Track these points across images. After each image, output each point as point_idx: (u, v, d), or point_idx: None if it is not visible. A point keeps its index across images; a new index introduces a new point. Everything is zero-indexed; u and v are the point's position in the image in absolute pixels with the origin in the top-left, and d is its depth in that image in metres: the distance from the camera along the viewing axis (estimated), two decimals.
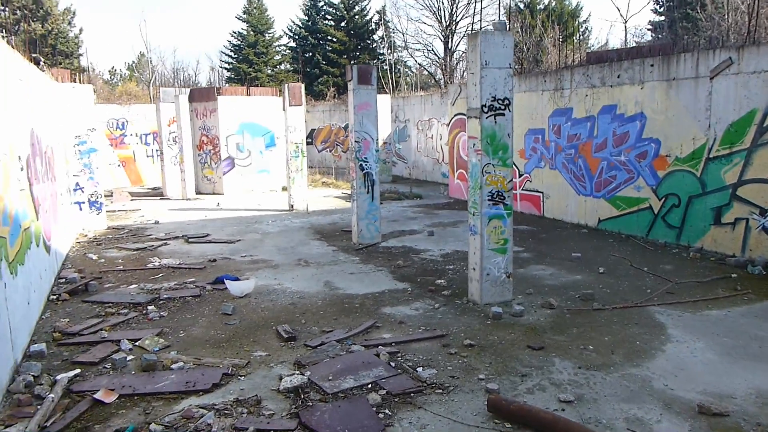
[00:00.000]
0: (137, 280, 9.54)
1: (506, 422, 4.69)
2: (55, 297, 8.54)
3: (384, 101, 24.09)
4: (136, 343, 6.68)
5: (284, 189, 21.13)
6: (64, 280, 9.39)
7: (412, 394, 5.24)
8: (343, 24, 42.77)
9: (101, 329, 7.19)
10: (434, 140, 23.26)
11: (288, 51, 45.96)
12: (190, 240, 12.76)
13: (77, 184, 13.97)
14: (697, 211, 10.21)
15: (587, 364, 5.84)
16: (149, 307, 7.97)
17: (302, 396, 5.23)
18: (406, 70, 41.62)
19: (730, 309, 7.39)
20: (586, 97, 12.49)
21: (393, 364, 5.87)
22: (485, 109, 7.34)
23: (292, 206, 16.82)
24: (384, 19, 40.99)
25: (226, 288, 8.62)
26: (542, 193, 14.20)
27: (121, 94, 29.75)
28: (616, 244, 11.21)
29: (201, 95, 21.82)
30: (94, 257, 11.29)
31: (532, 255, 10.64)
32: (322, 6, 43.78)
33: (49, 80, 11.14)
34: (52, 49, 37.52)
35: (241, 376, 5.76)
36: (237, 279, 9.00)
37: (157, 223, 15.37)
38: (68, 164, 13.73)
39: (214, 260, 10.85)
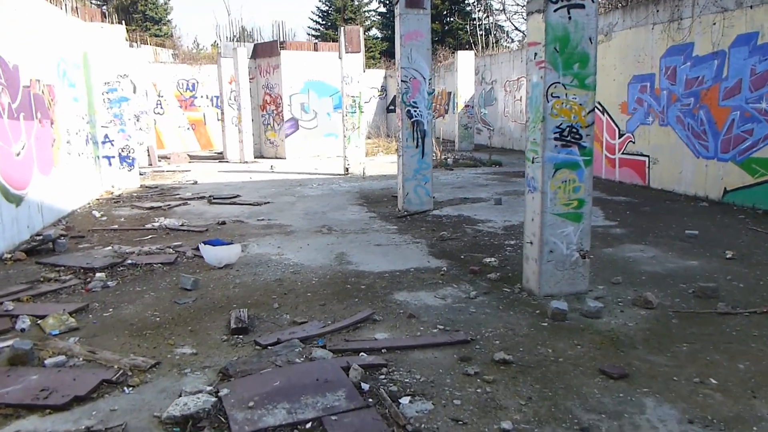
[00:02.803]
0: (120, 241, 7.82)
1: None
2: (9, 255, 6.96)
3: (468, 60, 21.31)
4: (39, 321, 4.83)
5: None
6: (40, 237, 7.82)
7: None
8: None
9: (17, 299, 5.44)
10: (523, 102, 20.26)
11: (378, 17, 43.80)
12: (214, 201, 11.01)
13: (106, 136, 12.61)
14: None
15: (706, 413, 3.26)
16: (98, 275, 6.15)
17: None
18: (503, 35, 38.20)
19: None
20: (714, 27, 9.32)
21: (366, 386, 3.59)
22: None
23: (347, 170, 14.74)
24: None
25: None
26: (648, 156, 11.14)
27: (203, 58, 28.92)
28: (749, 222, 8.16)
29: (264, 50, 20.16)
30: (98, 215, 9.78)
31: (628, 231, 7.86)
32: None
33: (49, 8, 9.62)
34: (142, 15, 37.67)
35: (129, 386, 3.71)
36: (227, 244, 7.00)
37: (195, 183, 13.85)
38: (96, 114, 12.38)
39: (223, 223, 8.96)
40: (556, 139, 4.96)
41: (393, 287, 5.67)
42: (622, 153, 11.90)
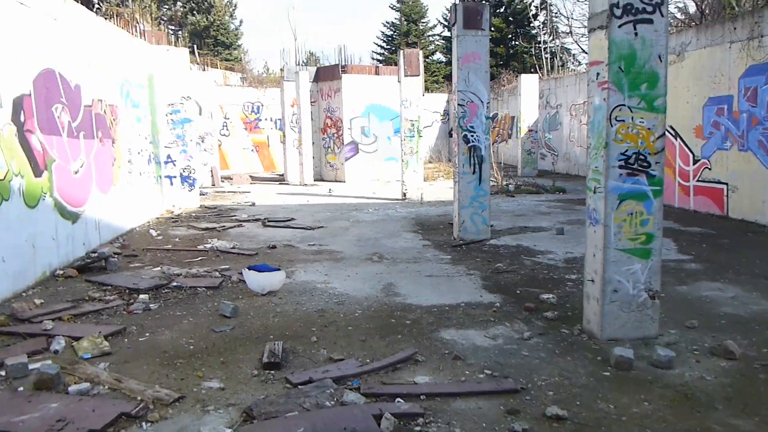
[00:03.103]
0: (170, 262, 7.80)
1: None
2: (62, 272, 7.03)
3: (532, 83, 20.79)
4: (73, 343, 4.74)
5: None
6: (95, 254, 7.92)
7: None
8: (501, 10, 39.53)
9: (59, 317, 5.40)
10: None
11: (442, 41, 43.81)
12: (268, 224, 10.95)
13: (168, 156, 12.88)
14: None
15: None
16: (141, 296, 6.07)
17: None
18: (569, 58, 37.28)
19: None
20: None
21: None
22: (617, 11, 4.34)
23: (404, 195, 14.47)
24: (545, 1, 37.03)
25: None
26: (726, 184, 10.30)
27: (269, 81, 29.60)
28: None
29: (326, 74, 20.34)
30: (155, 234, 9.88)
31: (705, 267, 7.17)
32: None
33: (113, 30, 9.91)
34: (214, 40, 39.13)
35: (148, 421, 3.49)
36: (272, 269, 6.81)
37: (253, 205, 13.92)
38: (159, 134, 12.67)
39: (274, 247, 8.83)
40: (621, 167, 4.49)
41: (440, 323, 5.29)
42: (697, 180, 11.09)
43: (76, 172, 7.91)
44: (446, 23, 42.02)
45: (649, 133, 4.46)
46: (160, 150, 12.76)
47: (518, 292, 6.30)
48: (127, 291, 6.33)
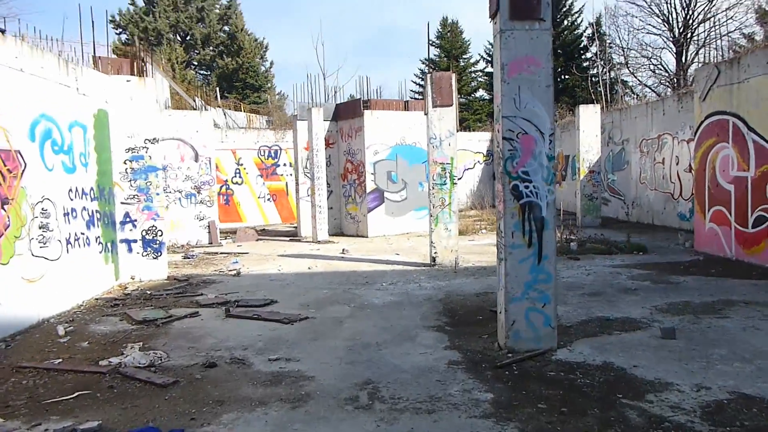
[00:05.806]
0: (22, 405, 4.70)
1: None
2: None
3: (592, 115, 17.28)
4: None
5: None
6: None
7: None
8: None
9: None
10: (667, 165, 15.87)
11: (485, 77, 40.84)
12: (233, 311, 7.75)
13: (127, 215, 10.00)
14: None
15: None
16: None
17: None
18: (627, 90, 33.58)
19: None
20: None
21: None
22: None
23: (433, 259, 11.10)
24: (599, 32, 33.73)
25: None
26: None
27: (287, 123, 27.02)
28: None
29: (347, 111, 17.42)
30: (62, 332, 6.84)
31: None
32: None
33: (13, 50, 7.10)
34: (242, 82, 37.23)
35: None
36: None
37: (237, 275, 10.81)
38: (115, 187, 9.84)
39: (213, 365, 5.61)
40: None
41: None
42: None
43: None
44: (489, 57, 39.00)
45: None
46: (116, 207, 9.89)
47: None
48: None
